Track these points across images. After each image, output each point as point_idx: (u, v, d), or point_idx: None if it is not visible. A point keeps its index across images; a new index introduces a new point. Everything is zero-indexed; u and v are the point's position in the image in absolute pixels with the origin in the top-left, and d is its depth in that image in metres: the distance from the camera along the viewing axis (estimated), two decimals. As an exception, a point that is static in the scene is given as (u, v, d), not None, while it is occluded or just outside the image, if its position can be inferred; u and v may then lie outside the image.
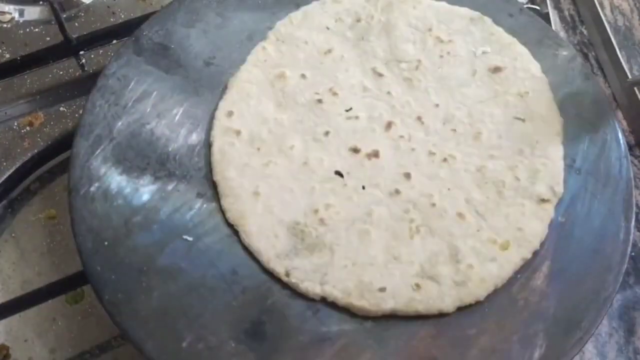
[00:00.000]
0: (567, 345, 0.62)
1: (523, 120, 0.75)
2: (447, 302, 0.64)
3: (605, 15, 0.96)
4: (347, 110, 0.75)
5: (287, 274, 0.65)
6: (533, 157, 0.73)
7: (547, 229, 0.69)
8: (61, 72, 0.86)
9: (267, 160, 0.71)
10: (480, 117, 0.75)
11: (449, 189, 0.70)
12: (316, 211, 0.68)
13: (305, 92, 0.76)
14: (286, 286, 0.65)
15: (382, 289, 0.64)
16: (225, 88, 0.76)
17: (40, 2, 0.91)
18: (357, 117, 0.75)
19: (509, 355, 0.62)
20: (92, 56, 0.88)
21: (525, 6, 0.90)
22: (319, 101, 0.75)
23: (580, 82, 0.79)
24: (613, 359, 0.72)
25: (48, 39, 0.88)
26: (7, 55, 0.86)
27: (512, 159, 0.73)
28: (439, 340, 0.63)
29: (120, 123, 0.71)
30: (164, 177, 0.69)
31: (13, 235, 0.77)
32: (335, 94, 0.76)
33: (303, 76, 0.77)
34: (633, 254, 0.69)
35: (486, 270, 0.65)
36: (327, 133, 0.73)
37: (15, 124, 0.81)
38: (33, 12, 0.91)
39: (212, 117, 0.74)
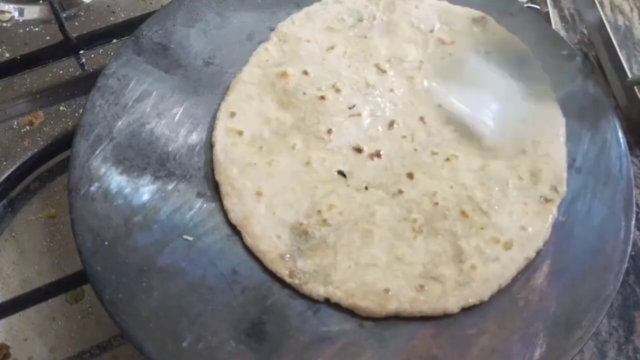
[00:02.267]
0: (568, 345, 0.62)
1: (526, 120, 0.75)
2: (452, 302, 0.64)
3: (605, 14, 0.96)
4: (350, 108, 0.75)
5: (291, 275, 0.65)
6: (536, 157, 0.73)
7: (551, 229, 0.68)
8: (61, 72, 0.86)
9: (269, 159, 0.71)
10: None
11: (451, 188, 0.70)
12: (319, 212, 0.68)
13: (308, 88, 0.76)
14: (286, 286, 0.65)
15: (386, 290, 0.64)
16: (226, 88, 0.76)
17: (40, 2, 0.91)
18: (359, 115, 0.75)
19: (509, 354, 0.62)
20: (92, 55, 0.88)
21: (525, 5, 0.90)
22: (322, 97, 0.75)
23: (580, 82, 0.79)
24: (613, 358, 0.72)
25: (48, 38, 0.88)
26: (7, 55, 0.86)
27: (515, 158, 0.73)
28: (439, 339, 0.63)
29: (120, 123, 0.71)
30: (164, 177, 0.69)
31: (13, 234, 0.76)
32: (338, 90, 0.76)
33: (305, 72, 0.77)
34: (633, 253, 0.69)
35: (490, 270, 0.65)
36: (329, 131, 0.73)
37: (15, 123, 0.81)
38: (33, 12, 0.91)
39: (213, 117, 0.74)
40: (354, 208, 0.69)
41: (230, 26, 0.81)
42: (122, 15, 0.91)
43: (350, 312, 0.64)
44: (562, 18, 0.98)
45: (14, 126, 0.81)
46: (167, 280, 0.63)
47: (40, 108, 0.82)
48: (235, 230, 0.68)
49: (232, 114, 0.74)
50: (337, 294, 0.64)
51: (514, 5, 0.86)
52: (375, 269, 0.65)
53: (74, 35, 0.86)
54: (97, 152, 0.69)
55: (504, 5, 0.86)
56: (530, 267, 0.67)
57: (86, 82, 0.80)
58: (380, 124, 0.75)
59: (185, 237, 0.66)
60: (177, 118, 0.74)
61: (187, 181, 0.70)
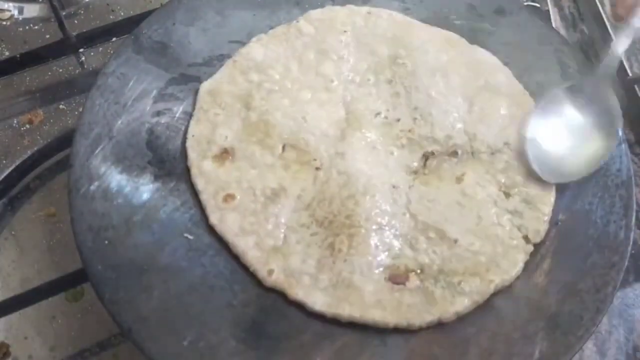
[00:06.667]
0: (568, 343, 0.62)
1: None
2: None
3: (605, 12, 0.96)
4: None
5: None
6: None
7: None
8: (61, 70, 0.86)
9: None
10: None
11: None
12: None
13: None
14: (286, 284, 0.65)
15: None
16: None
17: (40, 0, 0.91)
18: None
19: (509, 353, 0.62)
20: (92, 54, 0.88)
21: (526, 4, 0.90)
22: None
23: (581, 80, 0.79)
24: (613, 357, 0.72)
25: (47, 36, 0.88)
26: (7, 53, 0.87)
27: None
28: (439, 338, 0.63)
29: (119, 122, 0.71)
30: (164, 176, 0.69)
31: (13, 233, 0.77)
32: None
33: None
34: (633, 251, 0.69)
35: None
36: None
37: (15, 121, 0.81)
38: (32, 10, 0.91)
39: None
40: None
41: (230, 25, 0.81)
42: (122, 14, 0.91)
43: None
44: (563, 16, 0.98)
45: (14, 125, 0.81)
46: (167, 279, 0.63)
47: (40, 106, 0.83)
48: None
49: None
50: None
51: (514, 4, 0.86)
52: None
53: (74, 33, 0.86)
54: (97, 151, 0.69)
55: (503, 3, 0.85)
56: (530, 266, 0.67)
57: (86, 81, 0.80)
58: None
59: (185, 235, 0.66)
60: (176, 117, 0.74)
61: (187, 180, 0.70)
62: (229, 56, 0.78)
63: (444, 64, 0.80)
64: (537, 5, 0.93)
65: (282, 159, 0.71)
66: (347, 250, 0.66)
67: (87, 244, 0.63)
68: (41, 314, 0.71)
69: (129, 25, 0.83)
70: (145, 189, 0.68)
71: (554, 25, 0.93)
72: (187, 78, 0.76)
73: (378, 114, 0.76)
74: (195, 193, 0.69)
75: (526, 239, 0.69)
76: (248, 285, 0.64)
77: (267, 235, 0.66)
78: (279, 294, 0.64)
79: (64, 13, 0.87)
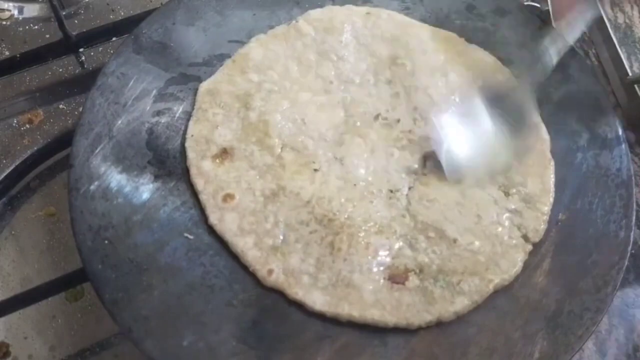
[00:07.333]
0: (568, 343, 0.62)
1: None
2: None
3: (605, 12, 0.96)
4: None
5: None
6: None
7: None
8: (61, 70, 0.86)
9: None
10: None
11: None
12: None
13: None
14: (286, 284, 0.65)
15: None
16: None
17: (40, 0, 0.91)
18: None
19: (509, 353, 0.62)
20: (92, 53, 0.88)
21: (526, 3, 0.90)
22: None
23: (581, 80, 0.79)
24: (613, 357, 0.72)
25: (47, 36, 0.88)
26: (7, 53, 0.87)
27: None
28: (440, 338, 0.63)
29: (119, 121, 0.71)
30: (164, 176, 0.69)
31: (13, 232, 0.76)
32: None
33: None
34: (633, 251, 0.69)
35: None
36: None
37: (15, 121, 0.81)
38: (32, 10, 0.91)
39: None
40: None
41: (229, 25, 0.81)
42: (122, 14, 0.91)
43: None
44: (562, 16, 0.98)
45: (14, 124, 0.81)
46: (167, 278, 0.63)
47: (40, 106, 0.83)
48: (236, 229, 0.68)
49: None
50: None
51: (514, 3, 0.86)
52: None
53: (74, 33, 0.86)
54: (97, 150, 0.69)
55: (503, 3, 0.85)
56: (531, 265, 0.67)
57: (86, 80, 0.80)
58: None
59: (185, 235, 0.66)
60: (176, 116, 0.74)
61: (187, 180, 0.70)
62: (229, 56, 0.78)
63: (443, 63, 0.80)
64: (537, 5, 0.93)
65: (281, 159, 0.71)
66: (346, 250, 0.66)
67: (87, 244, 0.63)
68: (41, 313, 0.71)
69: (129, 25, 0.83)
70: (145, 188, 0.68)
71: (553, 24, 0.93)
72: (187, 78, 0.76)
73: (378, 115, 0.76)
74: (195, 193, 0.69)
75: (525, 238, 0.69)
76: (248, 284, 0.64)
77: (266, 235, 0.66)
78: (279, 294, 0.64)
79: (64, 13, 0.87)
